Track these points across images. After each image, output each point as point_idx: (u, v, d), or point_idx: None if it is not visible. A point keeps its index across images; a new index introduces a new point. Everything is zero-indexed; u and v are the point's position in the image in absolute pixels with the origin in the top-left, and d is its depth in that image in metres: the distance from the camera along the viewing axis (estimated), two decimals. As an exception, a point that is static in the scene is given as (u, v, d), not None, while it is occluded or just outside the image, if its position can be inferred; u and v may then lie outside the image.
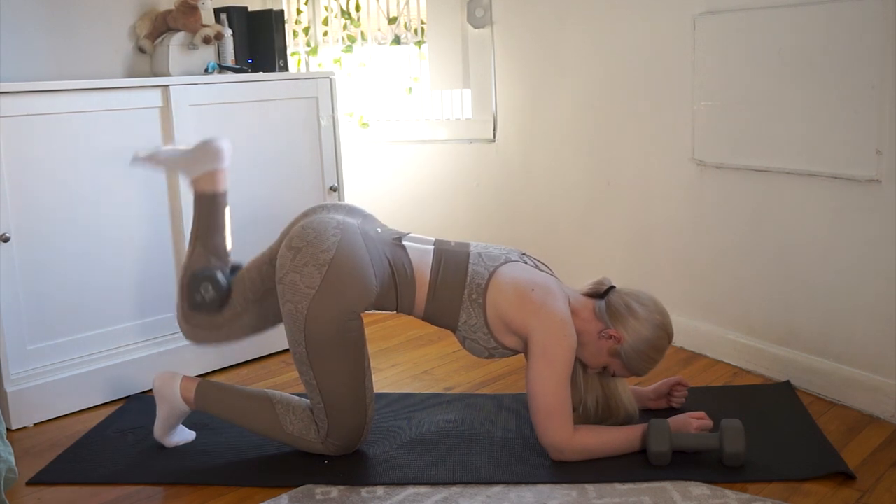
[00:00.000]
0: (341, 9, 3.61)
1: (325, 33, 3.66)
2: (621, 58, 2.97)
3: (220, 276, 2.21)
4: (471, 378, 2.72)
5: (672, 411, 2.31)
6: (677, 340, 2.87)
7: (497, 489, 1.98)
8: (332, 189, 3.11)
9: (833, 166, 2.36)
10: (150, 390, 2.35)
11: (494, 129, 3.41)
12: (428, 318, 2.16)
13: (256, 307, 2.20)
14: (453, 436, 2.25)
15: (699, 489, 1.93)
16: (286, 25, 3.30)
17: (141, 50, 2.99)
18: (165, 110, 2.68)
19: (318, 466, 2.09)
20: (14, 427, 2.42)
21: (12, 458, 1.92)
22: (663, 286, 2.85)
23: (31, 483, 2.09)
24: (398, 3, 3.55)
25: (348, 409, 2.06)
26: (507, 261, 2.16)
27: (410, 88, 3.58)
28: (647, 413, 2.30)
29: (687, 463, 2.04)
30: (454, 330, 2.15)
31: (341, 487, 2.00)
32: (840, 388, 2.42)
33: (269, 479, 2.05)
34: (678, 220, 2.87)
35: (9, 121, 2.36)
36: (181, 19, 2.89)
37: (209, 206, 2.25)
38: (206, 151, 2.24)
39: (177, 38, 2.91)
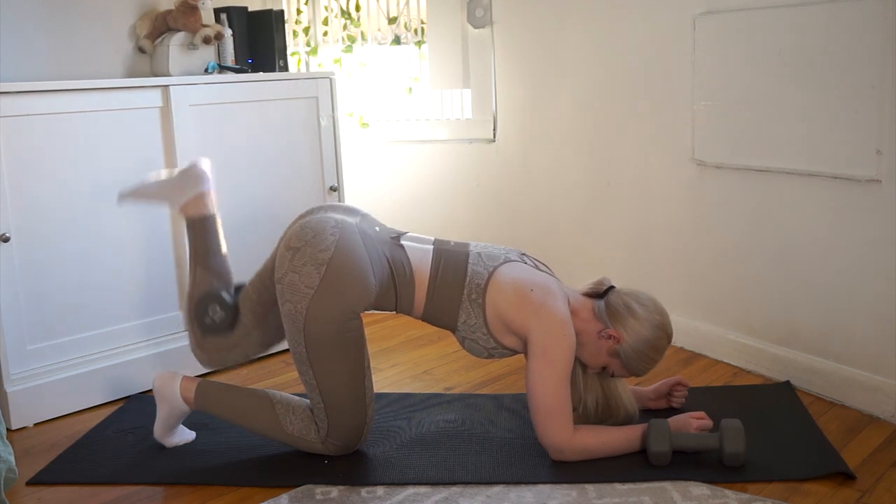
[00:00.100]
0: (341, 9, 3.61)
1: (325, 33, 3.66)
2: (621, 58, 2.97)
3: (225, 295, 2.23)
4: (471, 378, 2.72)
5: (672, 411, 2.31)
6: (677, 340, 2.88)
7: (497, 489, 1.98)
8: (332, 189, 3.11)
9: (833, 166, 2.36)
10: (150, 390, 2.35)
11: (494, 129, 3.41)
12: (427, 318, 2.16)
13: (266, 320, 2.20)
14: (453, 436, 2.25)
15: (699, 489, 1.93)
16: (286, 25, 3.30)
17: (141, 50, 2.99)
18: (165, 110, 2.68)
19: (318, 466, 2.09)
20: (14, 427, 2.42)
21: (12, 458, 1.92)
22: (663, 286, 2.85)
23: (31, 483, 2.09)
24: (398, 3, 3.55)
25: (348, 409, 2.06)
26: (507, 261, 2.16)
27: (410, 88, 3.58)
28: (647, 413, 2.30)
29: (687, 463, 2.04)
30: (453, 330, 2.15)
31: (341, 487, 2.00)
32: (840, 388, 2.42)
33: (269, 479, 2.05)
34: (678, 220, 2.87)
35: (9, 121, 2.36)
36: (181, 19, 2.89)
37: (201, 230, 2.26)
38: (189, 176, 2.26)
39: (177, 38, 2.91)
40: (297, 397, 2.16)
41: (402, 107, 3.61)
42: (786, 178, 2.51)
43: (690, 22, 2.70)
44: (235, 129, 2.86)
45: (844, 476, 1.98)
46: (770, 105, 2.50)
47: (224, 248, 2.31)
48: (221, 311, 2.20)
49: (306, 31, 3.67)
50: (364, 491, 1.98)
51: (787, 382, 2.54)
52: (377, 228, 2.18)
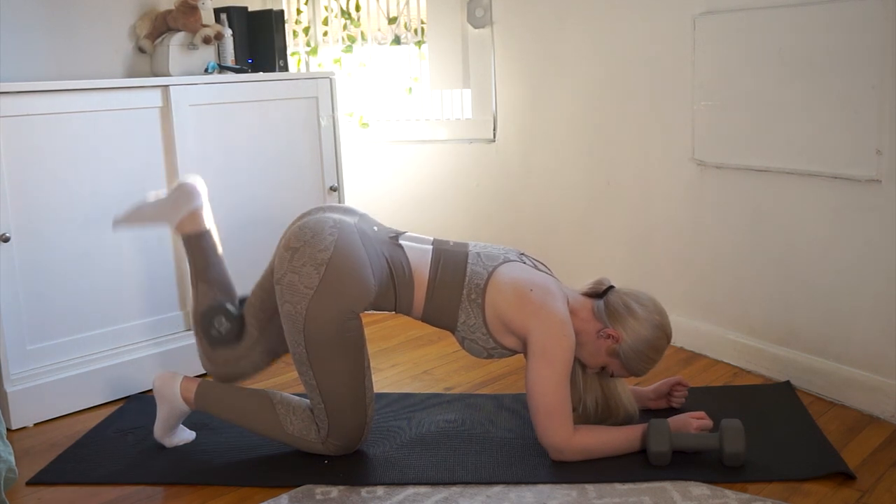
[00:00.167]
0: (341, 9, 3.61)
1: (325, 33, 3.66)
2: (621, 58, 2.97)
3: (229, 306, 2.24)
4: (471, 378, 2.72)
5: (672, 411, 2.31)
6: (677, 340, 2.88)
7: (497, 489, 1.98)
8: (332, 189, 3.11)
9: (833, 166, 2.36)
10: (150, 390, 2.35)
11: (494, 129, 3.41)
12: (426, 318, 2.16)
13: (271, 328, 2.20)
14: (453, 436, 2.25)
15: (699, 489, 1.93)
16: (286, 25, 3.30)
17: (141, 50, 2.99)
18: (165, 110, 2.68)
19: (318, 466, 2.09)
20: (14, 427, 2.42)
21: (12, 458, 1.92)
22: (663, 286, 2.85)
23: (31, 483, 2.09)
24: (398, 3, 3.55)
25: (348, 409, 2.06)
26: (506, 261, 2.16)
27: (410, 88, 3.58)
28: (647, 413, 2.30)
29: (687, 463, 2.04)
30: (453, 330, 2.15)
31: (341, 487, 2.00)
32: (840, 388, 2.42)
33: (269, 479, 2.05)
34: (678, 220, 2.87)
35: (9, 121, 2.36)
36: (181, 19, 2.90)
37: (199, 246, 2.27)
38: (181, 194, 2.26)
39: (177, 38, 2.91)
40: (297, 397, 2.16)
41: (402, 107, 3.61)
42: (786, 178, 2.51)
43: (690, 22, 2.70)
44: (235, 129, 2.86)
45: (844, 476, 1.98)
46: (770, 105, 2.50)
47: (220, 250, 2.30)
48: (227, 323, 2.21)
49: (306, 31, 3.67)
50: (364, 491, 1.98)
51: (787, 382, 2.54)
52: (375, 228, 2.18)
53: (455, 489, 1.98)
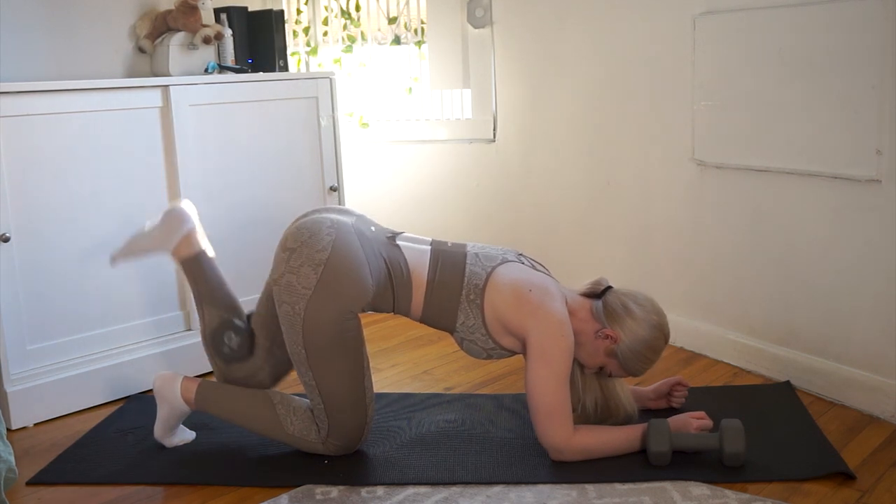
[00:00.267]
0: (341, 9, 3.61)
1: (325, 33, 3.66)
2: (621, 58, 2.97)
3: (237, 321, 2.25)
4: (471, 378, 2.72)
5: (672, 411, 2.31)
6: (677, 340, 2.88)
7: (497, 489, 1.98)
8: (332, 189, 3.11)
9: (833, 166, 2.36)
10: (151, 390, 2.35)
11: (494, 129, 3.41)
12: (425, 319, 2.16)
13: (278, 333, 2.20)
14: (453, 436, 2.25)
15: (699, 489, 1.93)
16: (286, 25, 3.30)
17: (141, 50, 2.99)
18: (165, 110, 2.68)
19: (318, 466, 2.09)
20: (14, 427, 2.42)
21: (12, 458, 1.92)
22: (663, 286, 2.86)
23: (31, 483, 2.09)
24: (398, 3, 3.55)
25: (348, 409, 2.06)
26: (504, 261, 2.16)
27: (410, 88, 3.58)
28: (647, 413, 2.30)
29: (687, 463, 2.04)
30: (452, 331, 2.15)
31: (341, 487, 2.00)
32: (840, 388, 2.42)
33: (269, 479, 2.05)
34: (678, 220, 2.87)
35: (9, 121, 2.36)
36: (181, 19, 2.90)
37: (197, 268, 2.28)
38: (172, 219, 2.27)
39: (177, 38, 2.91)
40: (297, 397, 2.16)
41: (402, 107, 3.61)
42: (786, 178, 2.51)
43: (690, 22, 2.70)
44: (235, 129, 2.86)
45: (844, 476, 1.98)
46: (770, 105, 2.50)
47: (212, 253, 2.30)
48: (237, 337, 2.21)
49: (306, 31, 3.67)
50: (364, 491, 1.98)
51: (787, 382, 2.54)
52: (373, 228, 2.18)
53: (455, 489, 1.98)
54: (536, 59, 3.25)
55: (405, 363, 2.89)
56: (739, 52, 2.56)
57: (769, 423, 2.26)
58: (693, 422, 2.10)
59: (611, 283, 2.19)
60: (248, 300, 2.80)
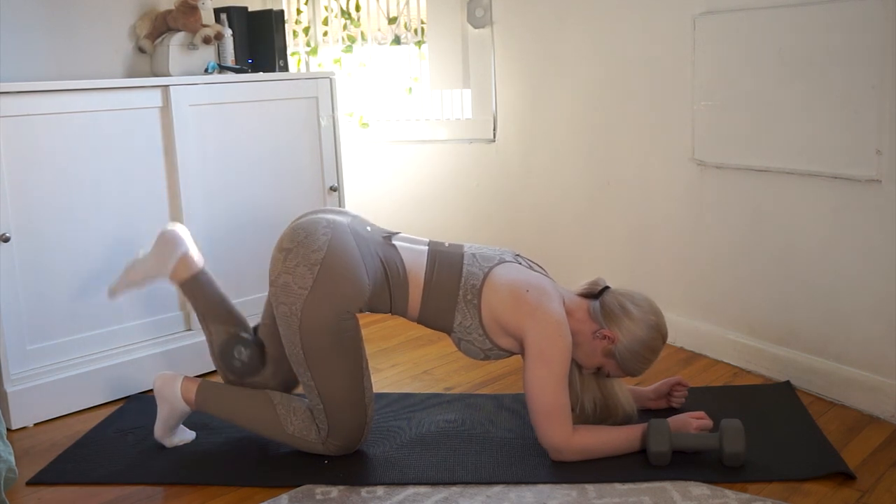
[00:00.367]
0: (341, 9, 3.61)
1: (325, 33, 3.66)
2: (621, 58, 2.97)
3: (244, 335, 2.25)
4: (471, 378, 2.72)
5: (672, 411, 2.30)
6: (677, 340, 2.88)
7: (497, 489, 1.98)
8: (332, 189, 3.11)
9: (833, 166, 2.36)
10: (151, 390, 2.35)
11: (494, 129, 3.41)
12: (423, 319, 2.16)
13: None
14: (453, 436, 2.25)
15: (699, 489, 1.93)
16: (286, 25, 3.30)
17: (141, 50, 2.99)
18: (165, 110, 2.68)
19: (318, 466, 2.09)
20: (14, 427, 2.42)
21: (12, 458, 1.92)
22: (663, 286, 2.86)
23: (31, 483, 2.09)
24: (398, 3, 3.55)
25: (348, 409, 2.06)
26: (502, 261, 2.16)
27: (410, 88, 3.59)
28: (647, 413, 2.30)
29: (687, 463, 2.04)
30: (449, 332, 2.14)
31: (341, 487, 2.00)
32: (840, 388, 2.42)
33: (269, 479, 2.05)
34: (678, 221, 2.87)
35: (9, 121, 2.36)
36: (181, 19, 2.90)
37: (197, 288, 2.28)
38: (165, 244, 2.27)
39: (177, 38, 2.91)
40: (297, 398, 2.16)
41: (402, 107, 3.61)
42: (786, 178, 2.51)
43: (690, 22, 2.70)
44: (235, 130, 2.86)
45: (844, 476, 1.98)
46: (770, 105, 2.50)
47: (203, 263, 2.30)
48: (246, 350, 2.22)
49: (306, 31, 3.67)
50: (364, 491, 1.98)
51: (787, 382, 2.54)
52: (369, 228, 2.17)
53: (455, 489, 1.98)
54: (536, 59, 3.25)
55: (405, 363, 2.89)
56: (739, 52, 2.56)
57: (769, 423, 2.26)
58: (693, 422, 2.10)
59: (608, 284, 2.19)
60: (248, 300, 2.82)
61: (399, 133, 3.58)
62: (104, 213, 2.58)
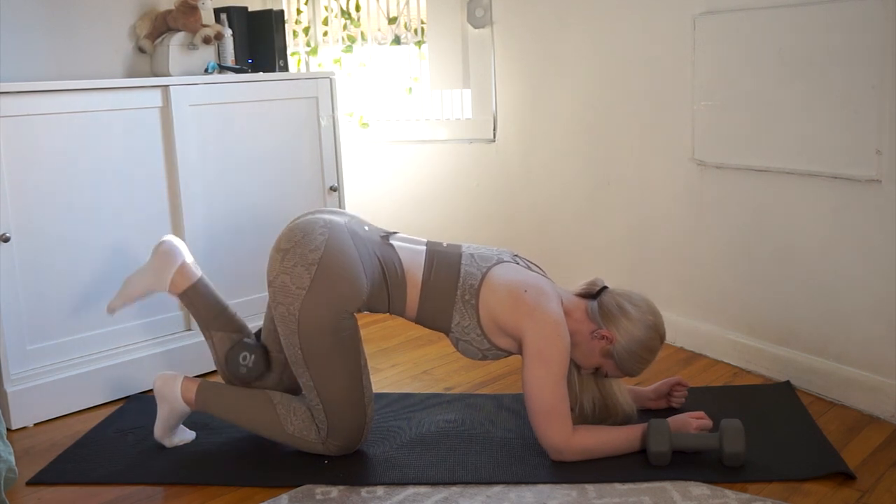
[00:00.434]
0: (341, 9, 3.61)
1: (325, 33, 3.66)
2: (621, 58, 2.97)
3: (247, 341, 2.25)
4: (471, 378, 2.72)
5: (672, 411, 2.30)
6: (677, 340, 2.88)
7: (497, 489, 1.98)
8: (332, 189, 3.11)
9: (833, 166, 2.36)
10: (151, 390, 2.35)
11: (494, 129, 3.41)
12: (420, 319, 2.16)
13: None
14: (453, 436, 2.25)
15: (699, 489, 1.93)
16: (286, 25, 3.30)
17: (141, 50, 2.99)
18: (165, 110, 2.68)
19: (318, 466, 2.09)
20: (14, 427, 2.42)
21: (12, 458, 1.92)
22: (663, 286, 2.86)
23: (31, 483, 2.09)
24: (398, 3, 3.55)
25: (347, 409, 2.06)
26: (500, 261, 2.16)
27: (410, 88, 3.59)
28: (647, 413, 2.30)
29: (687, 463, 2.04)
30: (447, 332, 2.14)
31: (341, 487, 2.00)
32: (840, 388, 2.42)
33: (269, 479, 2.05)
34: (678, 220, 2.87)
35: (9, 121, 2.36)
36: (181, 19, 2.90)
37: (197, 297, 2.28)
38: (161, 256, 2.28)
39: (177, 38, 2.91)
40: (297, 397, 2.16)
41: (402, 107, 3.61)
42: (786, 178, 2.51)
43: (690, 22, 2.70)
44: (235, 130, 2.86)
45: (844, 476, 1.98)
46: (770, 105, 2.50)
47: (200, 272, 2.30)
48: (252, 356, 2.22)
49: (306, 31, 3.67)
50: (364, 491, 1.98)
51: (787, 382, 2.54)
52: (366, 228, 2.17)
53: (455, 489, 1.98)
54: (536, 59, 3.25)
55: (405, 363, 2.89)
56: (739, 52, 2.56)
57: (769, 423, 2.26)
58: (692, 422, 2.10)
59: (606, 284, 2.19)
60: (248, 300, 2.82)
61: (399, 133, 3.58)
62: (104, 213, 2.58)
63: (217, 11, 3.03)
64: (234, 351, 2.22)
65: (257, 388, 2.22)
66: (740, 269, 2.70)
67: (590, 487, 1.96)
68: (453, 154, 3.50)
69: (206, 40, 2.90)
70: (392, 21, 3.56)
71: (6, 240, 2.37)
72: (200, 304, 2.28)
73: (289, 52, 3.41)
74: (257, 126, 2.91)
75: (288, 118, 2.99)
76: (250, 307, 2.76)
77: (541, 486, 1.98)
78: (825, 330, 2.47)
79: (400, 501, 1.94)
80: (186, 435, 2.26)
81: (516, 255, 2.25)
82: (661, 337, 2.12)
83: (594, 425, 2.14)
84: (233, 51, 3.05)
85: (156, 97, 2.66)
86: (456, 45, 3.40)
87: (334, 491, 1.99)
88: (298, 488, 2.00)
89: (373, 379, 2.18)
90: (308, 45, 3.67)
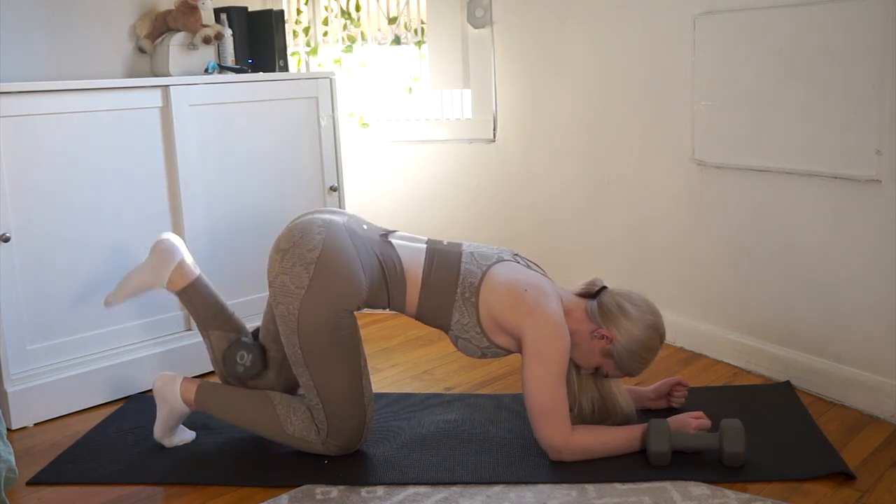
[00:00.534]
0: (341, 9, 3.61)
1: (325, 33, 3.66)
2: (621, 57, 2.97)
3: (245, 340, 2.25)
4: (471, 378, 2.72)
5: (672, 411, 2.30)
6: (677, 340, 2.88)
7: (497, 489, 1.98)
8: (332, 189, 3.11)
9: (833, 166, 2.36)
10: (150, 390, 2.35)
11: (494, 129, 3.41)
12: (420, 316, 2.16)
13: None
14: (453, 436, 2.25)
15: (699, 489, 1.93)
16: (286, 25, 3.30)
17: (141, 50, 2.99)
18: (165, 110, 2.68)
19: (318, 466, 2.09)
20: (14, 427, 2.42)
21: (12, 458, 1.92)
22: (663, 286, 2.86)
23: (31, 483, 2.09)
24: (398, 3, 3.55)
25: (347, 409, 2.06)
26: (500, 260, 2.16)
27: (410, 88, 3.58)
28: (647, 413, 2.30)
29: (687, 463, 2.04)
30: (447, 329, 2.15)
31: (341, 487, 2.00)
32: (840, 388, 2.42)
33: (269, 479, 2.05)
34: (678, 220, 2.87)
35: (9, 121, 2.36)
36: (181, 19, 2.90)
37: (195, 295, 2.29)
38: (160, 253, 2.28)
39: (177, 38, 2.91)
40: (297, 397, 2.16)
41: (402, 107, 3.61)
42: (786, 178, 2.51)
43: (690, 22, 2.70)
44: (235, 130, 2.86)
45: (844, 476, 1.98)
46: (770, 105, 2.50)
47: (199, 271, 2.31)
48: (249, 355, 2.22)
49: (306, 31, 3.67)
50: (364, 491, 1.98)
51: (787, 382, 2.54)
52: (365, 227, 2.18)
53: (455, 489, 1.98)
54: (536, 59, 3.25)
55: (405, 363, 2.89)
56: (739, 52, 2.56)
57: (769, 423, 2.26)
58: (692, 422, 2.10)
59: (605, 283, 2.19)
60: (248, 300, 2.82)
61: (399, 133, 3.58)
62: (104, 213, 2.58)
63: (217, 11, 3.03)
64: (231, 350, 2.23)
65: (256, 388, 2.22)
66: (740, 269, 2.70)
67: (590, 487, 1.96)
68: (453, 154, 3.50)
69: (206, 40, 2.90)
70: (392, 21, 3.56)
71: (6, 240, 2.37)
72: (199, 302, 2.28)
73: (289, 52, 3.40)
74: (257, 126, 2.91)
75: (288, 118, 2.99)
76: (250, 307, 2.76)
77: (541, 486, 1.98)
78: (825, 330, 2.47)
79: (400, 501, 1.94)
80: (186, 435, 2.26)
81: (516, 254, 2.25)
82: (661, 337, 2.12)
83: (593, 425, 2.14)
84: (233, 51, 3.05)
85: (156, 97, 2.66)
86: (456, 45, 3.40)
87: (334, 491, 1.99)
88: (298, 488, 2.00)
89: (373, 379, 2.18)
90: (308, 45, 3.67)
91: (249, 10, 3.17)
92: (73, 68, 2.86)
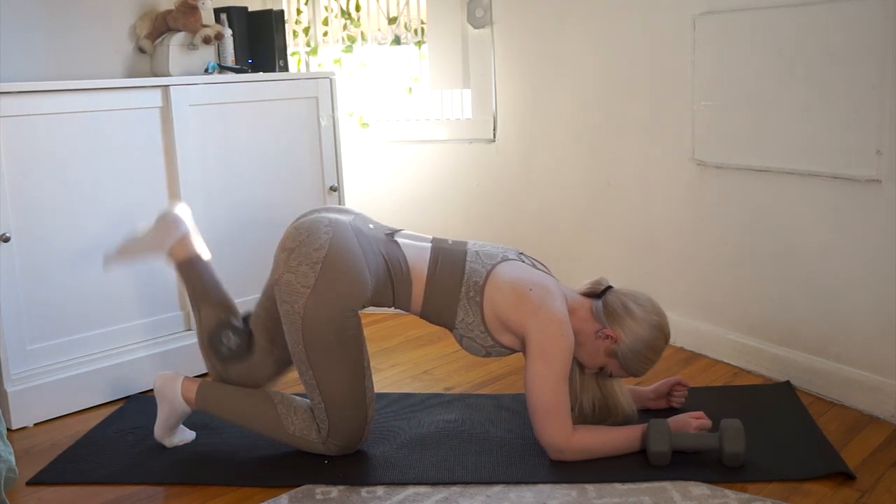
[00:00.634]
0: (341, 9, 3.61)
1: (325, 33, 3.66)
2: (621, 58, 2.97)
3: (234, 321, 2.25)
4: (471, 378, 2.72)
5: (672, 411, 2.30)
6: (677, 340, 2.88)
7: (497, 489, 1.98)
8: (332, 189, 3.11)
9: (833, 166, 2.36)
10: (151, 390, 2.36)
11: (494, 129, 3.41)
12: (425, 315, 2.16)
13: (281, 337, 2.19)
14: (453, 436, 2.25)
15: (699, 489, 1.93)
16: (286, 25, 3.30)
17: (141, 50, 2.99)
18: (165, 110, 2.68)
19: (318, 466, 2.09)
20: (14, 427, 2.42)
21: (12, 458, 1.92)
22: (663, 286, 2.86)
23: (31, 483, 2.09)
24: (398, 3, 3.55)
25: (349, 408, 2.06)
26: (505, 259, 2.16)
27: (410, 88, 3.58)
28: (647, 413, 2.30)
29: (687, 463, 2.04)
30: (451, 328, 2.15)
31: (341, 487, 2.00)
32: (840, 388, 2.42)
33: (269, 479, 2.05)
34: (678, 220, 2.87)
35: (9, 121, 2.36)
36: (181, 19, 2.90)
37: (193, 270, 2.29)
38: (166, 223, 2.29)
39: (177, 38, 2.91)
40: (298, 397, 2.16)
41: (402, 107, 3.61)
42: (786, 178, 2.51)
43: (690, 22, 2.70)
44: (235, 130, 2.86)
45: (844, 476, 1.98)
46: (770, 105, 2.50)
47: (208, 256, 2.31)
48: (235, 337, 2.22)
49: (306, 31, 3.67)
50: (364, 491, 1.98)
51: (787, 382, 2.54)
52: (371, 226, 2.18)
53: (455, 489, 1.98)
54: (536, 59, 3.25)
55: (405, 363, 2.89)
56: (739, 52, 2.56)
57: (769, 423, 2.26)
58: (692, 422, 2.10)
59: (611, 283, 2.19)
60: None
61: (399, 133, 3.58)
62: (104, 213, 2.58)
63: (217, 11, 3.03)
64: (218, 329, 2.22)
65: (236, 372, 2.21)
66: (740, 269, 2.70)
67: (590, 487, 1.96)
68: (453, 154, 3.50)
69: (206, 40, 2.90)
70: (392, 21, 3.56)
71: (6, 240, 2.37)
72: (197, 277, 2.28)
73: (289, 52, 3.40)
74: (257, 126, 2.91)
75: (288, 118, 2.99)
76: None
77: (541, 486, 1.98)
78: (825, 330, 2.47)
79: (400, 501, 1.94)
80: (186, 435, 2.26)
81: (522, 253, 2.25)
82: (666, 337, 2.12)
83: (594, 425, 2.14)
84: (233, 51, 3.05)
85: (156, 97, 2.66)
86: (456, 45, 3.40)
87: (334, 491, 1.99)
88: (298, 488, 2.00)
89: (373, 379, 2.18)
90: (308, 45, 3.67)
91: (249, 10, 3.17)
92: (73, 68, 2.86)
